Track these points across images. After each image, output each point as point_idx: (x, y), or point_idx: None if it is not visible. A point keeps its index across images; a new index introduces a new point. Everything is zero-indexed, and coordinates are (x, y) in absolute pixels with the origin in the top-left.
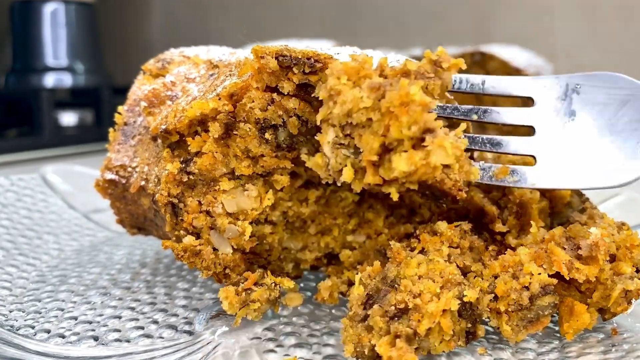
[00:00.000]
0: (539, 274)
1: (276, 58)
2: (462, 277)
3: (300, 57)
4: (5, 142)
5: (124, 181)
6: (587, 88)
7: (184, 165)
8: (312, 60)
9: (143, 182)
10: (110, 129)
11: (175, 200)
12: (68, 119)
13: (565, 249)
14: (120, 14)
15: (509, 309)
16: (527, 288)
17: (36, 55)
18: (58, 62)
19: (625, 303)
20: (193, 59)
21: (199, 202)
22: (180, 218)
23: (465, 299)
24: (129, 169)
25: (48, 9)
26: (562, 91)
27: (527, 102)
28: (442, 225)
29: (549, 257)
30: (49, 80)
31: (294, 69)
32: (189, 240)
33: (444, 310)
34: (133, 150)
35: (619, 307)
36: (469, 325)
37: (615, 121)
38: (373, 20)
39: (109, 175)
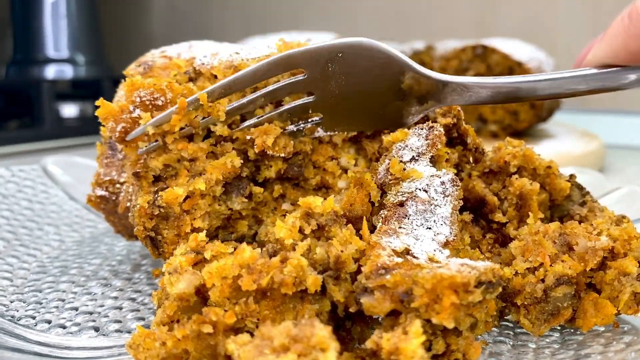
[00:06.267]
0: (551, 265)
1: None
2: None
3: None
4: (6, 134)
5: (113, 197)
6: (349, 55)
7: (154, 198)
8: None
9: (128, 203)
10: (97, 143)
11: (153, 234)
12: (69, 110)
13: (555, 243)
14: (121, 5)
15: (526, 303)
16: (543, 281)
17: (37, 47)
18: (59, 54)
19: (636, 305)
20: (175, 61)
21: (176, 234)
22: (161, 249)
23: (503, 278)
24: (117, 185)
25: (49, 0)
26: (326, 59)
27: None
28: None
29: (536, 249)
30: (50, 71)
31: None
32: None
33: None
34: (121, 164)
35: (629, 309)
36: (503, 304)
37: (379, 84)
38: (374, 12)
39: (99, 192)
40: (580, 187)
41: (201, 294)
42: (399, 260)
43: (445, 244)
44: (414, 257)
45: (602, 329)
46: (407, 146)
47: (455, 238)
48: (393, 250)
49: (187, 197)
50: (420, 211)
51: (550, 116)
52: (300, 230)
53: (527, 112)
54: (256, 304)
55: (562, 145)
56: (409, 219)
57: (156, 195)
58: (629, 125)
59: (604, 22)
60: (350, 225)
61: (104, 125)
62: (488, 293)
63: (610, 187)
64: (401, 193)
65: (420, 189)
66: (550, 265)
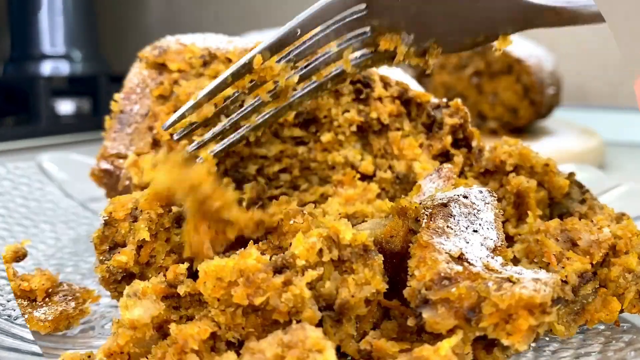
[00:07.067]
0: (558, 264)
1: None
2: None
3: None
4: (2, 130)
5: (118, 172)
6: None
7: (108, 266)
8: None
9: (127, 182)
10: (107, 117)
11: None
12: (65, 107)
13: (558, 240)
14: (118, 1)
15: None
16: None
17: (33, 43)
18: (55, 50)
19: None
20: (190, 47)
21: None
22: None
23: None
24: (121, 161)
25: None
26: None
27: None
28: None
29: (540, 249)
30: (46, 68)
31: None
32: None
33: None
34: (129, 138)
35: (633, 308)
36: None
37: None
38: None
39: (105, 165)
40: (579, 185)
41: (162, 330)
42: (459, 268)
43: (494, 250)
44: (470, 264)
45: (602, 327)
46: (424, 194)
47: (502, 244)
48: (449, 254)
49: (140, 247)
50: (464, 213)
51: (549, 113)
52: (320, 252)
53: (527, 108)
54: (244, 316)
55: (561, 142)
56: (454, 218)
57: (108, 264)
58: (628, 122)
59: None
60: (379, 257)
61: (115, 101)
62: (557, 309)
63: (610, 185)
64: (440, 198)
65: (460, 195)
66: (558, 264)
